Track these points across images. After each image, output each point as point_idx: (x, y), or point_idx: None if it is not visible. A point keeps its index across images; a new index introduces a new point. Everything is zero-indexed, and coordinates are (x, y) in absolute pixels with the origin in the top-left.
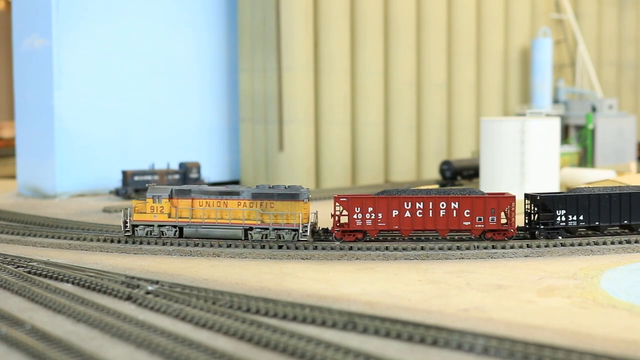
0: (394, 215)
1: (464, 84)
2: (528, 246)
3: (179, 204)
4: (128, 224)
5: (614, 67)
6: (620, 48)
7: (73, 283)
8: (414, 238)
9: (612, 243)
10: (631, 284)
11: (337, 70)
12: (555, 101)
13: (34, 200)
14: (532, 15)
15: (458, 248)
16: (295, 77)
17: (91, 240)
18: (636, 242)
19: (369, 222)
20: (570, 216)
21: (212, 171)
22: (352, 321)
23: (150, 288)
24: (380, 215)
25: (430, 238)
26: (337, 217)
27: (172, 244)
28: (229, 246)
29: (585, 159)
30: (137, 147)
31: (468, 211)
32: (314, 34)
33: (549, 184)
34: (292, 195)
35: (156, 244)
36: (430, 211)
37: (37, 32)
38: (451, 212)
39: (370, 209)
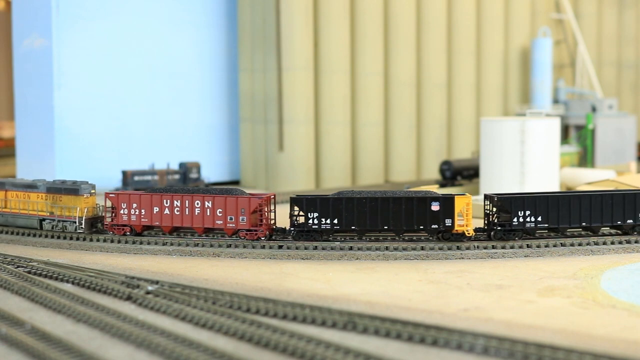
0: (155, 212)
1: (464, 84)
2: (528, 246)
3: None
4: None
5: (614, 67)
6: (620, 48)
7: (73, 283)
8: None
9: (612, 243)
10: (631, 284)
11: (337, 70)
12: (555, 101)
13: None
14: (532, 15)
15: (458, 248)
16: (295, 77)
17: (91, 240)
18: (636, 242)
19: (134, 218)
20: (323, 219)
21: (212, 171)
22: (352, 321)
23: (150, 288)
24: (143, 211)
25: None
26: (112, 212)
27: (172, 244)
28: (229, 246)
29: (585, 159)
30: (137, 147)
31: (221, 210)
32: (314, 34)
33: (549, 184)
34: (74, 190)
35: (156, 244)
36: (187, 209)
37: (37, 32)
38: (205, 210)
39: (134, 205)
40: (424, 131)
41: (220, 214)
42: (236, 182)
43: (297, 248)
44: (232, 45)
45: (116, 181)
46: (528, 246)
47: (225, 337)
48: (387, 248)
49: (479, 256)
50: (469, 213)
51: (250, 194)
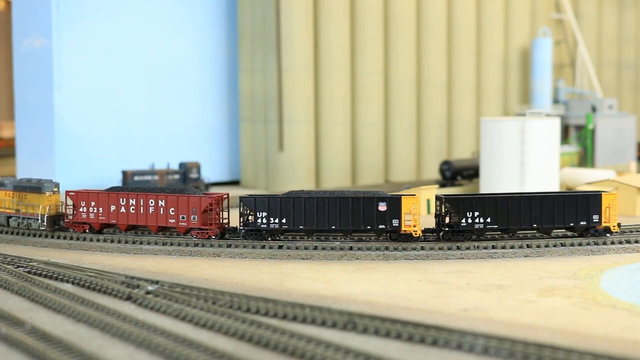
0: (112, 210)
1: (464, 84)
2: (528, 246)
3: None
4: None
5: (614, 67)
6: (620, 48)
7: (73, 283)
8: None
9: (612, 243)
10: (631, 284)
11: (337, 70)
12: (555, 101)
13: None
14: (532, 15)
15: (458, 248)
16: (295, 77)
17: (91, 240)
18: (636, 242)
19: (92, 216)
20: (271, 219)
21: (212, 171)
22: (352, 321)
23: (150, 288)
24: (101, 209)
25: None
26: (72, 209)
27: (172, 244)
28: (229, 246)
29: (585, 159)
30: (137, 147)
31: (173, 209)
32: (314, 34)
33: (549, 184)
34: (37, 188)
35: (156, 243)
36: (142, 208)
37: (37, 32)
38: (159, 209)
39: (93, 203)
40: (424, 131)
41: (173, 213)
42: (236, 182)
43: (297, 248)
44: (232, 45)
45: (116, 181)
46: (528, 246)
47: (225, 337)
48: (387, 248)
49: (479, 256)
50: (417, 213)
51: (204, 193)
